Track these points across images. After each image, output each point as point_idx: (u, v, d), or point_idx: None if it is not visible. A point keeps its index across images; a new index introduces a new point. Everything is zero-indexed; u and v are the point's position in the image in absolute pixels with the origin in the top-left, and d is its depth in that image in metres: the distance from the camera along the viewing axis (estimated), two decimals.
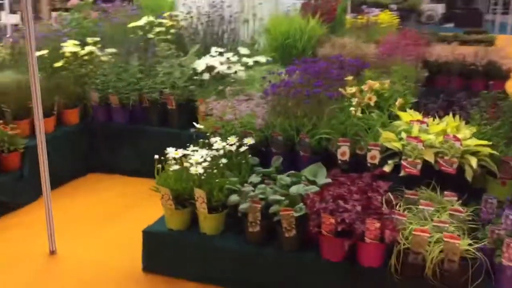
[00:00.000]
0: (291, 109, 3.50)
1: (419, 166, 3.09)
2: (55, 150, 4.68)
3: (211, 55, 4.73)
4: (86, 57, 5.12)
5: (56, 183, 4.66)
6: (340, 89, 3.57)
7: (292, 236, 2.86)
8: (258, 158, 3.58)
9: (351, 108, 3.45)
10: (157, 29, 5.59)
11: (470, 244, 2.58)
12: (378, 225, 2.62)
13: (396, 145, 3.18)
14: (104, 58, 5.22)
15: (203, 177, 3.00)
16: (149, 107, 4.78)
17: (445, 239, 2.50)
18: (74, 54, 5.06)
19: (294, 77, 3.83)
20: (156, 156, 3.14)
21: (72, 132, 4.93)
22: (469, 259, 2.51)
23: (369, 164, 3.33)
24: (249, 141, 3.43)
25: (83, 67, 5.04)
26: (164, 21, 5.56)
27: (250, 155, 3.52)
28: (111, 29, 5.67)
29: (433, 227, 2.65)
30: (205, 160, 3.12)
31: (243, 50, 4.91)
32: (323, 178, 3.24)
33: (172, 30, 5.61)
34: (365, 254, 2.72)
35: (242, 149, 3.37)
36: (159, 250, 3.20)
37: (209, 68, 4.48)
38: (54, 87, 4.78)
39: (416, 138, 3.10)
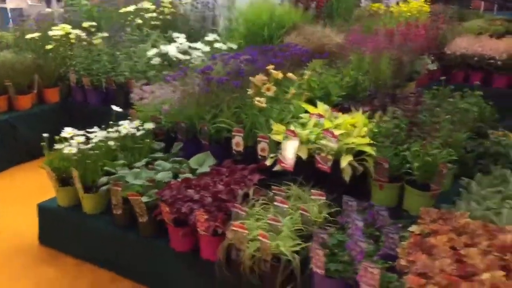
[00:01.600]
0: (195, 97, 3.46)
1: (293, 161, 2.93)
2: (31, 126, 5.06)
3: (173, 41, 4.78)
4: (72, 41, 5.41)
5: (30, 156, 5.06)
6: (250, 79, 3.45)
7: (145, 221, 2.86)
8: (169, 143, 3.62)
9: (256, 98, 3.32)
10: (148, 15, 5.73)
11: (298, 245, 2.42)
12: (206, 216, 2.55)
13: (279, 138, 3.03)
14: (96, 42, 5.48)
15: (75, 158, 3.09)
16: (116, 90, 4.95)
17: (259, 238, 2.37)
18: (61, 37, 5.37)
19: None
20: (46, 134, 3.30)
21: (51, 110, 5.26)
22: (286, 261, 2.35)
23: (259, 157, 3.21)
24: (149, 126, 3.46)
25: (67, 50, 5.34)
26: (151, 7, 5.69)
27: (155, 140, 3.58)
28: (106, 14, 5.92)
29: (268, 224, 2.52)
30: (88, 142, 3.22)
31: (210, 37, 4.90)
32: (206, 167, 3.19)
33: (161, 17, 5.72)
34: (202, 246, 2.66)
35: (139, 133, 3.41)
36: (50, 224, 3.36)
37: (163, 54, 4.54)
38: (34, 67, 5.13)
39: (293, 132, 2.94)
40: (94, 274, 3.09)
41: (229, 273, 2.51)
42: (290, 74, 3.50)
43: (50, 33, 5.32)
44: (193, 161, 3.24)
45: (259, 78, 3.28)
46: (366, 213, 2.67)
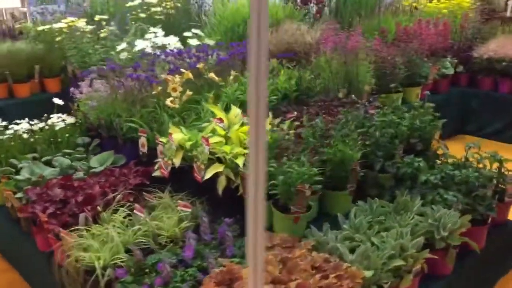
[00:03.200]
0: (114, 94, 3.39)
1: (169, 168, 2.76)
2: (26, 112, 5.33)
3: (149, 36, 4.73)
4: (77, 33, 5.59)
5: None
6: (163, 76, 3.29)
7: (24, 217, 2.86)
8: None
9: (169, 99, 3.17)
10: (153, 9, 5.77)
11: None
12: (46, 219, 2.48)
13: (164, 141, 2.87)
14: (102, 35, 5.63)
15: None
16: None
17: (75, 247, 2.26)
18: (66, 28, 5.58)
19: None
20: None
21: (49, 98, 5.49)
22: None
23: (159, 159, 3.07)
24: (71, 120, 3.47)
25: (73, 42, 5.53)
26: (154, 1, 5.70)
27: (88, 136, 3.59)
28: (115, 8, 6.05)
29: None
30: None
31: (190, 33, 4.79)
32: (104, 167, 3.12)
33: (165, 11, 5.73)
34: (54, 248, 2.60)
35: (59, 126, 3.43)
36: None
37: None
38: (35, 57, 5.38)
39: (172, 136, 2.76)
40: None
41: (66, 279, 2.43)
42: (211, 75, 3.30)
43: (55, 25, 5.54)
44: (94, 160, 3.19)
45: (166, 77, 3.12)
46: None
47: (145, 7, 5.75)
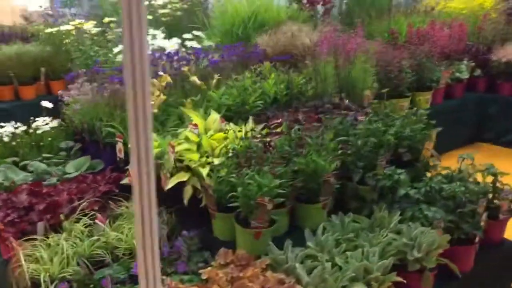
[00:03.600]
0: (96, 97, 3.30)
1: None
2: (31, 115, 5.34)
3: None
4: (85, 35, 5.58)
5: None
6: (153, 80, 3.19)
7: None
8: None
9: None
10: (161, 11, 5.70)
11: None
12: (1, 227, 2.40)
13: None
14: (109, 37, 5.61)
15: None
16: None
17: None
18: (73, 30, 5.57)
19: None
20: None
21: (54, 101, 5.48)
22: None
23: None
24: (54, 123, 3.41)
25: (80, 44, 5.52)
26: (161, 3, 5.63)
27: (74, 140, 3.53)
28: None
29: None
30: None
31: (189, 35, 4.68)
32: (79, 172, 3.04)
33: (171, 12, 5.66)
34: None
35: (40, 130, 3.37)
36: None
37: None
38: (41, 59, 5.39)
39: None
40: None
41: None
42: (194, 78, 3.17)
43: (62, 28, 5.55)
44: (70, 165, 3.11)
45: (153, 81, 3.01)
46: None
47: (151, 10, 5.69)
